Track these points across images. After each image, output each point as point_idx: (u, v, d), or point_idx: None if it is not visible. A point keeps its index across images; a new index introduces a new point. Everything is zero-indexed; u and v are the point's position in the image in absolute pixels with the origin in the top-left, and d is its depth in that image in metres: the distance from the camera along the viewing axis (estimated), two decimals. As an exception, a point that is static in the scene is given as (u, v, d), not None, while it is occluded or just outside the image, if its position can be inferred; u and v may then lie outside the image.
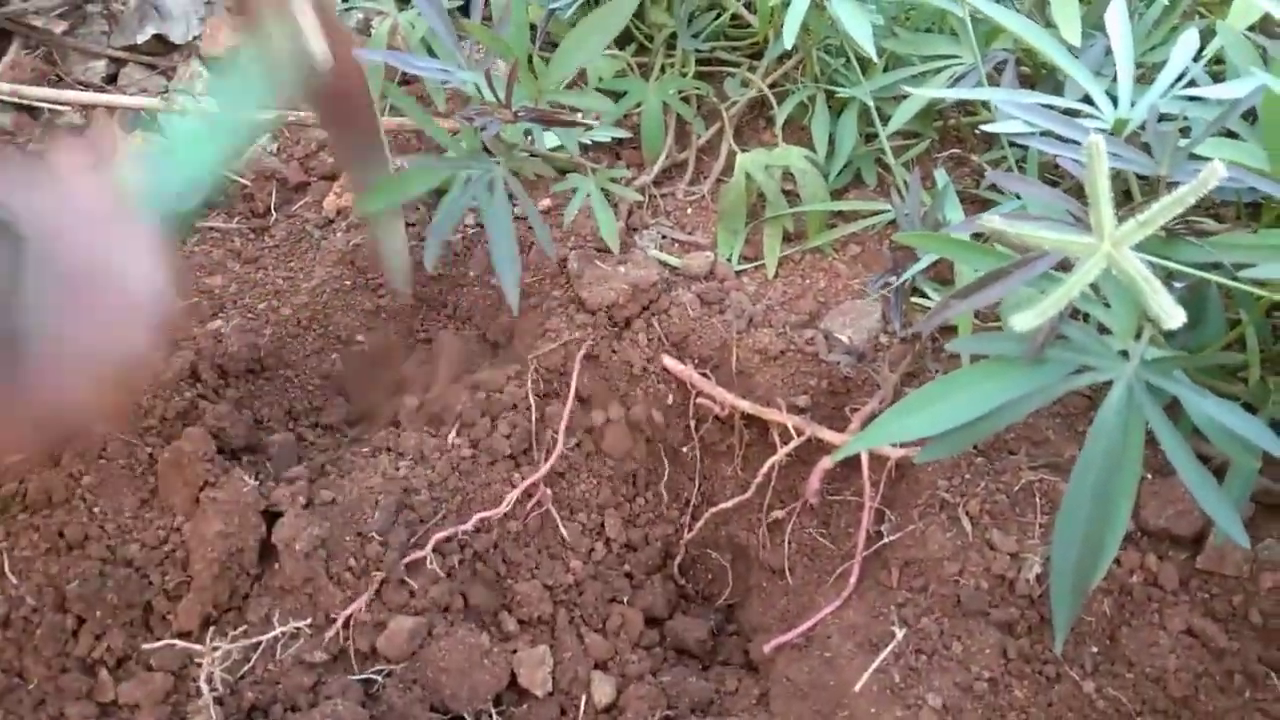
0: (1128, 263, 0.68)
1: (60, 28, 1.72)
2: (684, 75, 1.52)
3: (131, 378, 0.87)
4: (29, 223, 0.69)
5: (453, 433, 1.20)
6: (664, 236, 1.42)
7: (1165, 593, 1.03)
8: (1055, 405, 1.17)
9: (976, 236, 0.96)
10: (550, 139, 1.37)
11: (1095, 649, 1.01)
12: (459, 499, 1.16)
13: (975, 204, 1.37)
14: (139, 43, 1.72)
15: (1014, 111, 0.94)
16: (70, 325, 0.70)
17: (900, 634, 1.03)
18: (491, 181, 1.14)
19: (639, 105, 1.46)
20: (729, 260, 1.39)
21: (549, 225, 1.38)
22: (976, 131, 1.50)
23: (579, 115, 1.22)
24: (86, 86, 1.69)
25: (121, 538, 1.07)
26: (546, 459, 1.17)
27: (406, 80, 1.67)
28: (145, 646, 1.02)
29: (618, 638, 1.18)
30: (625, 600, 1.22)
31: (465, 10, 1.50)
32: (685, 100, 1.52)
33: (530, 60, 1.25)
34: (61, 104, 1.59)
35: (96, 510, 1.07)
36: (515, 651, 1.10)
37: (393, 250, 1.16)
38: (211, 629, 1.05)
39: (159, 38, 1.73)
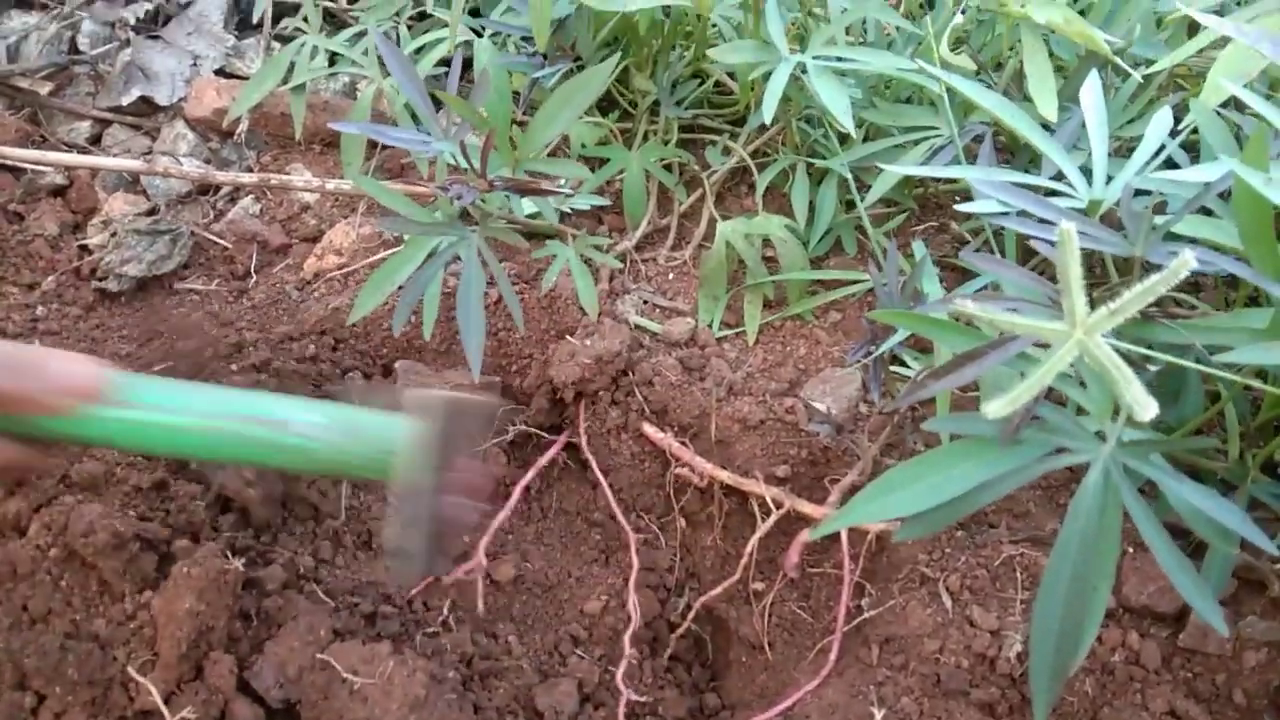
0: (1100, 352, 0.68)
1: (46, 89, 1.73)
2: (666, 143, 1.53)
3: None
4: None
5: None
6: (645, 302, 1.42)
7: (1148, 672, 1.01)
8: (1036, 479, 1.17)
9: (953, 314, 0.96)
10: (529, 206, 1.37)
11: (1078, 731, 1.00)
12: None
13: (955, 272, 1.38)
14: (124, 104, 1.72)
15: (989, 191, 0.95)
16: None
17: (879, 715, 1.02)
18: (465, 250, 1.14)
19: (621, 172, 1.47)
20: (710, 326, 1.38)
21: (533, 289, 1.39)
22: (955, 200, 1.50)
23: (559, 183, 1.23)
24: (71, 147, 1.69)
25: (86, 612, 1.04)
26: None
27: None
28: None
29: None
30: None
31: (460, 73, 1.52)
32: (667, 168, 1.53)
33: (512, 129, 1.26)
34: (44, 165, 1.59)
35: (62, 584, 1.05)
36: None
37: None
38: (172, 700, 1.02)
39: (145, 99, 1.74)
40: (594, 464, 1.30)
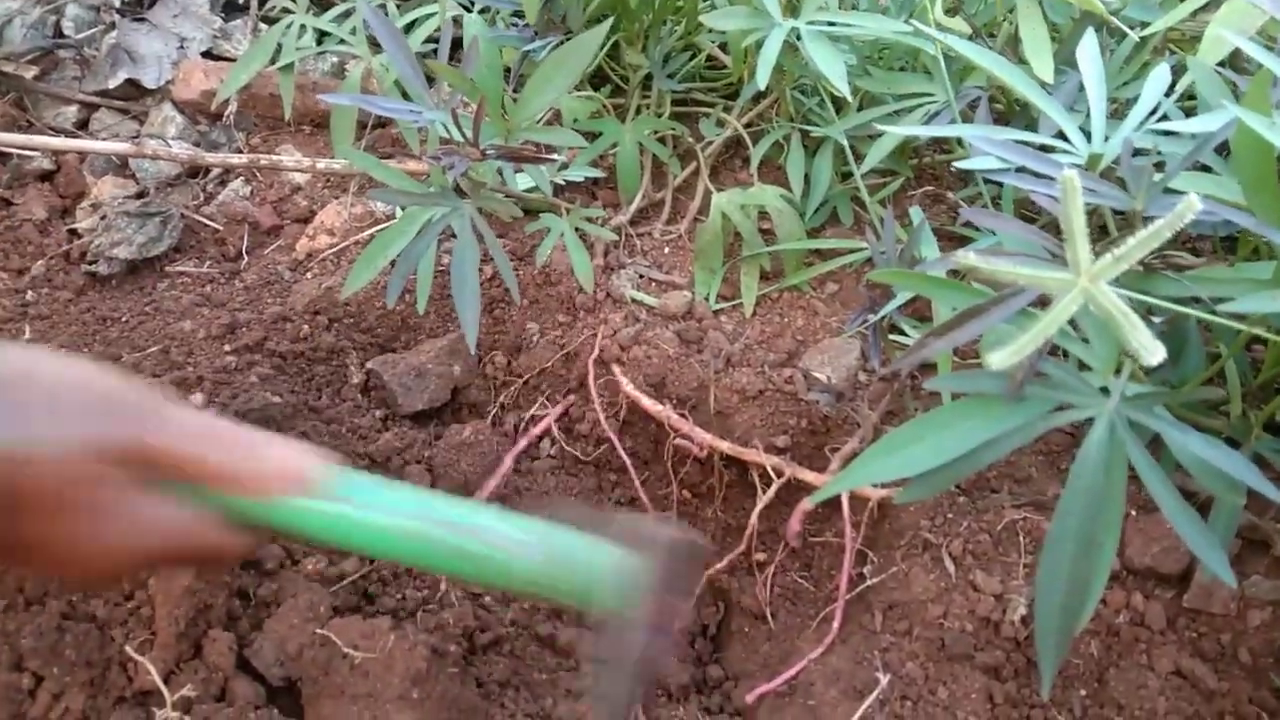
0: (1105, 298, 0.67)
1: (31, 73, 1.71)
2: (659, 116, 1.52)
3: None
4: None
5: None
6: (641, 276, 1.41)
7: (1153, 633, 1.01)
8: (1037, 442, 1.16)
9: (952, 273, 0.95)
10: (525, 180, 1.36)
11: (1084, 692, 0.99)
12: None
13: (952, 240, 1.37)
14: (111, 88, 1.71)
15: (988, 148, 0.94)
16: None
17: (885, 680, 1.01)
18: (459, 221, 1.13)
19: (614, 146, 1.45)
20: (707, 299, 1.37)
21: (528, 265, 1.38)
22: (952, 168, 1.50)
23: (554, 154, 1.22)
24: (58, 132, 1.68)
25: (82, 592, 1.03)
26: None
27: (383, 123, 1.66)
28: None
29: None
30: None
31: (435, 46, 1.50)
32: (661, 141, 1.52)
33: (502, 102, 1.24)
34: (32, 149, 1.58)
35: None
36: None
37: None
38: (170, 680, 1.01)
39: (131, 82, 1.72)
40: (614, 438, 1.29)
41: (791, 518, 1.16)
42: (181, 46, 1.77)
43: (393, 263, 1.17)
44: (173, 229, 1.51)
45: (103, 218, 1.48)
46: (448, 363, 1.36)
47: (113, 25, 1.76)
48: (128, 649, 1.02)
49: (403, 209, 1.15)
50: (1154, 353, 0.62)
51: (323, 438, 1.31)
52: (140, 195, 1.58)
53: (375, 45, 1.51)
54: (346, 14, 1.59)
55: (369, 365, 1.36)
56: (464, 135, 1.00)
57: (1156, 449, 0.83)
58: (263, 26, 1.80)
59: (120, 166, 1.63)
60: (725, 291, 1.40)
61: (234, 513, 0.62)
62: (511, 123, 0.98)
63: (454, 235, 1.17)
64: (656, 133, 1.49)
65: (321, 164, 1.51)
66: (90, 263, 1.46)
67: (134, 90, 1.73)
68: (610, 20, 1.24)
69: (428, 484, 1.31)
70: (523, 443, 1.30)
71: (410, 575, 1.16)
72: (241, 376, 1.33)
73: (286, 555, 1.13)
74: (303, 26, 1.56)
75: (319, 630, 1.02)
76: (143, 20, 1.80)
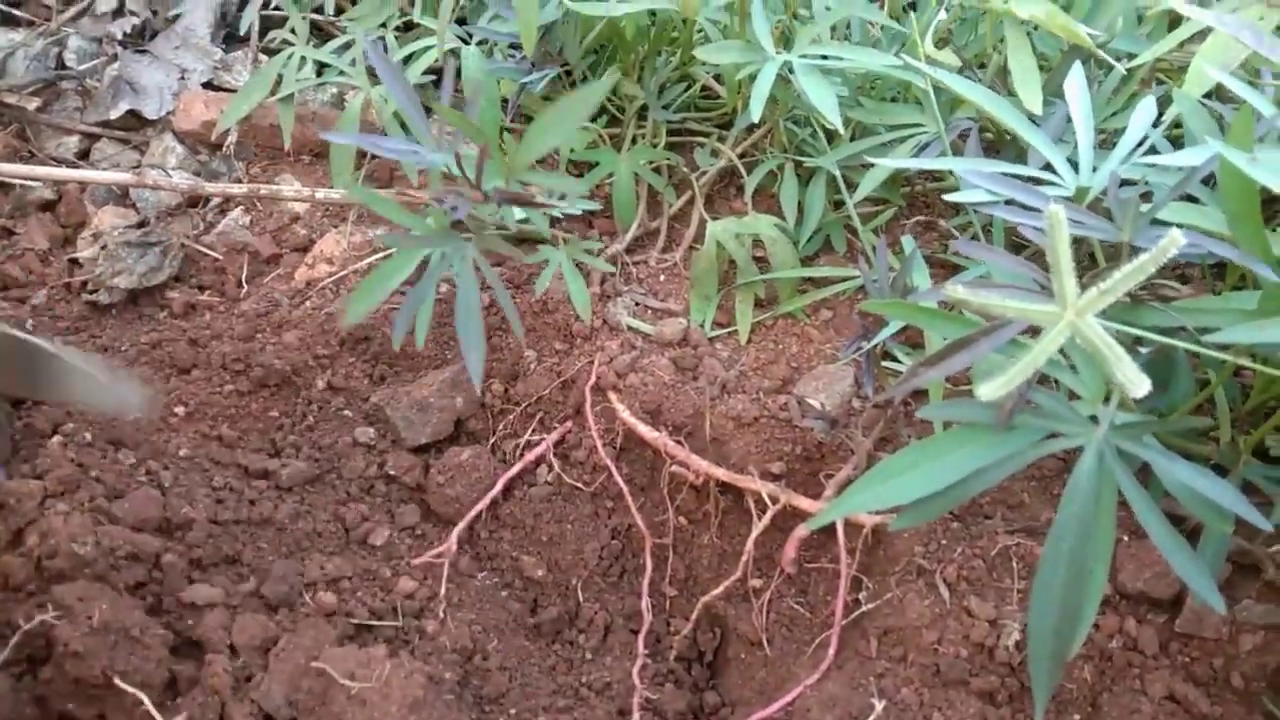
0: (1091, 332, 0.68)
1: (33, 104, 1.72)
2: (655, 146, 1.54)
3: None
4: None
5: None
6: (637, 304, 1.43)
7: (1145, 657, 1.02)
8: (1030, 469, 1.17)
9: (943, 303, 0.96)
10: (519, 212, 1.38)
11: (1078, 717, 1.00)
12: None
13: (944, 268, 1.39)
14: (112, 118, 1.72)
15: (977, 181, 0.95)
16: None
17: (880, 706, 1.02)
18: (461, 261, 1.14)
19: (610, 176, 1.47)
20: (702, 326, 1.39)
21: (525, 294, 1.39)
22: (943, 197, 1.51)
23: (558, 200, 1.23)
24: (59, 162, 1.69)
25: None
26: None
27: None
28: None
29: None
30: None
31: (438, 80, 1.52)
32: (656, 171, 1.54)
33: (501, 136, 1.26)
34: (34, 179, 1.59)
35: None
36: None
37: None
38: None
39: (133, 113, 1.74)
40: (611, 465, 1.30)
41: (787, 544, 1.17)
42: (182, 77, 1.79)
43: (399, 292, 1.18)
44: (173, 258, 1.52)
45: (104, 247, 1.50)
46: (450, 395, 1.37)
47: (115, 57, 1.79)
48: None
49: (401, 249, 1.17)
50: (1139, 386, 0.63)
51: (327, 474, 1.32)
52: (141, 224, 1.59)
53: (374, 76, 1.53)
54: (347, 45, 1.62)
55: (373, 399, 1.37)
56: (466, 177, 1.01)
57: (1146, 476, 0.84)
58: (263, 58, 1.82)
59: (121, 196, 1.65)
60: (720, 319, 1.42)
61: None
62: (512, 165, 0.99)
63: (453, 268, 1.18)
64: (652, 163, 1.51)
65: (320, 194, 1.53)
66: (91, 291, 1.48)
67: (135, 121, 1.75)
68: (606, 57, 1.26)
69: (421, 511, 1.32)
70: (517, 467, 1.31)
71: (410, 596, 1.17)
72: (243, 403, 1.34)
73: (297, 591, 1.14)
74: (303, 58, 1.58)
75: (314, 663, 1.02)
76: (144, 52, 1.82)
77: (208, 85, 1.80)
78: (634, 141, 1.56)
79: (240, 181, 1.69)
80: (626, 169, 1.46)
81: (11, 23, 1.82)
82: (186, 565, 1.11)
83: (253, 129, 1.71)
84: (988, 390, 0.69)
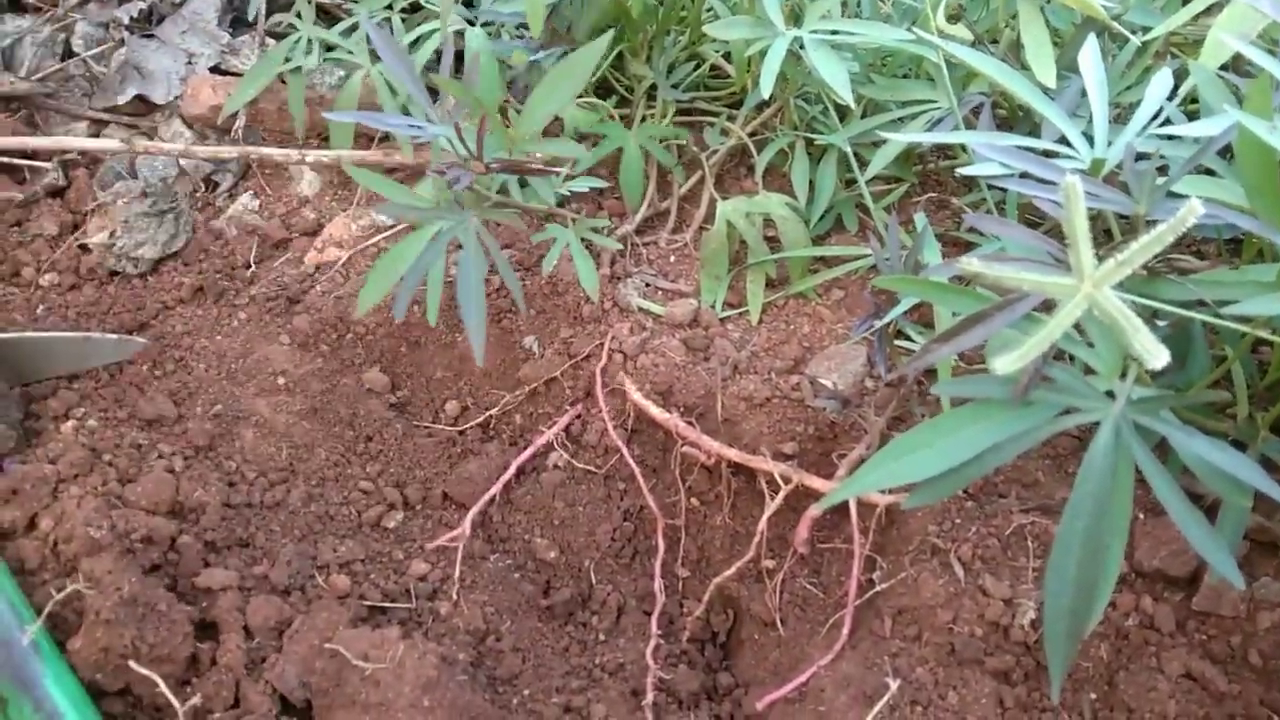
0: (1108, 303, 0.67)
1: (42, 91, 1.72)
2: (664, 125, 1.52)
3: None
4: None
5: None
6: (647, 285, 1.42)
7: (1162, 635, 1.01)
8: (1044, 447, 1.16)
9: (956, 279, 0.95)
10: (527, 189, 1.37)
11: (1094, 695, 0.99)
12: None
13: (956, 246, 1.37)
14: (120, 103, 1.72)
15: (991, 154, 0.94)
16: None
17: (895, 685, 1.01)
18: (464, 233, 1.14)
19: (618, 150, 1.45)
20: (713, 307, 1.38)
21: (534, 275, 1.38)
22: (955, 175, 1.50)
23: (559, 167, 1.22)
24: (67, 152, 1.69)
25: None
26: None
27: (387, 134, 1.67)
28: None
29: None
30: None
31: (438, 60, 1.51)
32: (665, 147, 1.52)
33: (505, 112, 1.25)
34: (39, 152, 1.60)
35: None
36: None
37: None
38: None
39: (141, 98, 1.74)
40: (622, 447, 1.29)
41: (800, 525, 1.16)
42: (190, 62, 1.78)
43: (402, 278, 1.18)
44: (185, 223, 1.54)
45: (125, 220, 1.51)
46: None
47: (122, 42, 1.78)
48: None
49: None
50: (1158, 357, 0.62)
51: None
52: (145, 194, 1.60)
53: (378, 56, 1.51)
54: (353, 28, 1.61)
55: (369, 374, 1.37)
56: (468, 148, 1.01)
57: (1163, 451, 0.83)
58: (270, 41, 1.81)
59: (129, 180, 1.64)
60: (731, 299, 1.41)
61: None
62: (514, 135, 0.98)
63: (460, 247, 1.18)
64: (663, 140, 1.50)
65: (310, 156, 1.53)
66: (117, 265, 1.49)
67: (143, 106, 1.75)
68: (612, 31, 1.25)
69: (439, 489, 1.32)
70: (529, 451, 1.31)
71: (424, 578, 1.17)
72: (264, 400, 1.34)
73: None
74: (310, 41, 1.57)
75: (328, 645, 1.02)
76: (151, 36, 1.81)
77: (215, 70, 1.80)
78: (643, 120, 1.54)
79: (248, 167, 1.68)
80: (634, 143, 1.45)
81: (19, 9, 1.82)
82: (201, 548, 1.11)
83: (260, 113, 1.71)
84: (1003, 364, 0.69)
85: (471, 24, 1.53)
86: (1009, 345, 0.72)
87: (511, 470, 1.30)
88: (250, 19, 1.82)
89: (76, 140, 1.58)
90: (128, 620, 0.98)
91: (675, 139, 1.52)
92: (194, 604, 1.07)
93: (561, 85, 0.97)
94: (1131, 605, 1.02)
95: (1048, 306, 0.79)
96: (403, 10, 1.67)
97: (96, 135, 1.72)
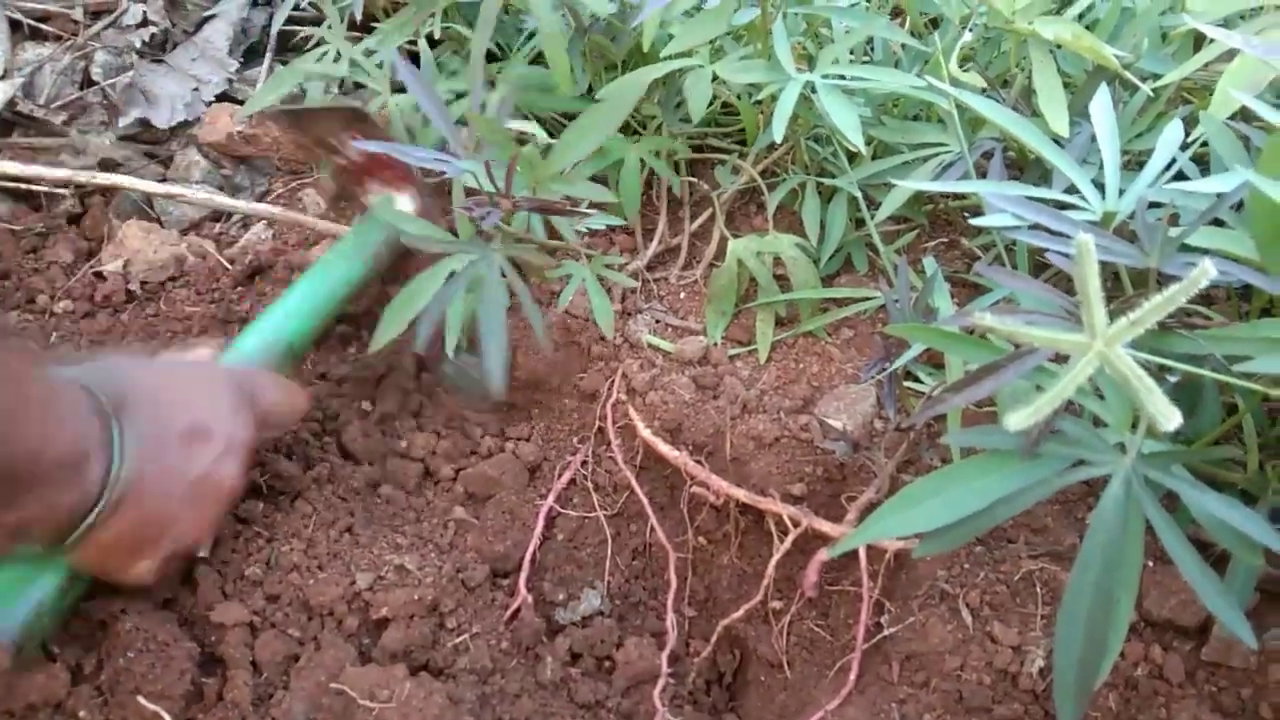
0: (1121, 363, 0.67)
1: (60, 118, 1.74)
2: (673, 158, 1.52)
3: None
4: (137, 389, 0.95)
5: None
6: (658, 321, 1.43)
7: (1172, 686, 1.01)
8: (1055, 493, 1.16)
9: (967, 327, 0.96)
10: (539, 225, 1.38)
11: (1102, 746, 0.99)
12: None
13: (967, 288, 1.38)
14: (122, 125, 1.73)
15: (1001, 205, 0.95)
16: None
17: (902, 732, 1.01)
18: (487, 269, 1.14)
19: (619, 164, 1.44)
20: (716, 343, 1.38)
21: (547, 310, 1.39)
22: (966, 216, 1.51)
23: (583, 204, 1.23)
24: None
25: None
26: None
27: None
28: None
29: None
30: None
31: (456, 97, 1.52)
32: (675, 168, 1.51)
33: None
34: (57, 182, 1.61)
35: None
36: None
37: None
38: None
39: (142, 121, 1.75)
40: (635, 484, 1.30)
41: (808, 568, 1.16)
42: (196, 89, 1.80)
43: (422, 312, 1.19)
44: (199, 251, 1.56)
45: (138, 249, 1.53)
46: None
47: (130, 66, 1.80)
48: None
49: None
50: (1170, 419, 0.63)
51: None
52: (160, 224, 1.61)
53: (398, 87, 1.51)
54: (374, 52, 1.59)
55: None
56: (496, 185, 1.01)
57: (1172, 501, 0.84)
58: (280, 69, 1.82)
59: (145, 209, 1.66)
60: (741, 336, 1.41)
61: None
62: (541, 174, 0.99)
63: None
64: (667, 154, 1.48)
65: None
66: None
67: (160, 134, 1.76)
68: (642, 74, 1.26)
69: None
70: (550, 498, 1.30)
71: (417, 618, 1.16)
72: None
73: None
74: (339, 53, 1.53)
75: (333, 684, 1.02)
76: (160, 62, 1.83)
77: (225, 98, 1.82)
78: (655, 156, 1.55)
79: (266, 194, 1.70)
80: (635, 155, 1.44)
81: (39, 37, 1.84)
82: (216, 578, 1.11)
83: (277, 143, 1.72)
84: (1016, 420, 0.69)
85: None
86: (1020, 398, 0.73)
87: (540, 522, 1.29)
88: (262, 51, 1.84)
89: (105, 176, 1.60)
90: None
91: (676, 153, 1.51)
92: (204, 637, 1.07)
93: (594, 129, 0.98)
94: (1140, 654, 1.02)
95: (1059, 357, 0.79)
96: (427, 36, 1.66)
97: (115, 162, 1.73)
